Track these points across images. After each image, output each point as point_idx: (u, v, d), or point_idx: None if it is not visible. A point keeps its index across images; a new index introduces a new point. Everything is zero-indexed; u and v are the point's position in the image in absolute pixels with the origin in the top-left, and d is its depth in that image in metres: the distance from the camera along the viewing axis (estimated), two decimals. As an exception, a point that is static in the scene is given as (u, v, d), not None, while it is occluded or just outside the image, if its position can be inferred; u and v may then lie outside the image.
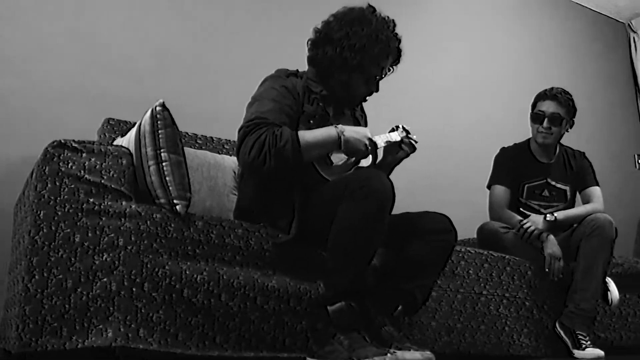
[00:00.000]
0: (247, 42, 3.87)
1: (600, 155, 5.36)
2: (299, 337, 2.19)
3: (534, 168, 3.53)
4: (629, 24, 6.35)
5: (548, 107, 3.44)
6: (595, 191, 3.49)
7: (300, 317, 2.20)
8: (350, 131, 2.22)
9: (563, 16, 5.83)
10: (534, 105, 3.54)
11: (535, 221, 3.24)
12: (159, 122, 2.06)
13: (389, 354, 1.88)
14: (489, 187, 3.57)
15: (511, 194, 3.49)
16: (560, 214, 3.28)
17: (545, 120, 3.42)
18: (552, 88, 3.49)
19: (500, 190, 3.48)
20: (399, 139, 2.50)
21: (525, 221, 3.24)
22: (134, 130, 2.15)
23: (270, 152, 2.08)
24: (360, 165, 2.38)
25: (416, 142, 2.53)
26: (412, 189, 4.01)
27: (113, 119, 2.93)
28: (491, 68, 5.10)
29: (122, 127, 2.86)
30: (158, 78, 3.46)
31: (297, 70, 2.46)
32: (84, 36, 3.32)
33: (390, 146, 2.51)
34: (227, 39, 3.80)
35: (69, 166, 1.91)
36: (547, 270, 3.10)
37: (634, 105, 6.18)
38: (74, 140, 1.95)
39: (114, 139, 2.67)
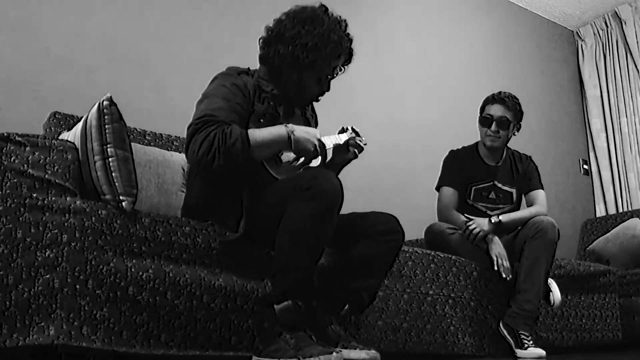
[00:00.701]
0: (199, 38, 3.84)
1: (546, 159, 5.49)
2: (245, 336, 2.18)
3: (482, 170, 3.59)
4: (577, 32, 6.49)
5: (496, 111, 3.49)
6: (540, 194, 3.56)
7: (247, 316, 2.19)
8: (300, 131, 2.23)
9: (513, 22, 5.92)
10: (482, 109, 3.60)
11: (480, 223, 3.29)
12: (105, 116, 2.03)
13: (334, 353, 1.88)
14: (437, 188, 3.62)
15: (459, 196, 3.54)
16: (504, 217, 3.33)
17: (494, 123, 3.48)
18: (499, 92, 3.55)
19: (448, 191, 3.53)
20: (346, 139, 2.51)
21: (470, 222, 3.29)
22: (80, 125, 2.11)
23: (220, 150, 2.07)
24: (310, 165, 2.39)
25: (365, 144, 2.54)
26: (361, 190, 4.04)
27: (60, 113, 2.86)
28: (440, 71, 5.15)
29: (69, 121, 2.80)
30: (106, 72, 3.41)
31: (249, 68, 2.45)
32: (30, 27, 3.24)
33: (339, 147, 2.53)
34: (179, 34, 3.76)
35: (12, 160, 1.87)
36: (496, 269, 3.15)
37: (580, 111, 6.31)
38: (17, 134, 1.92)
39: (60, 133, 2.63)
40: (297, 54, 2.32)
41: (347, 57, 2.47)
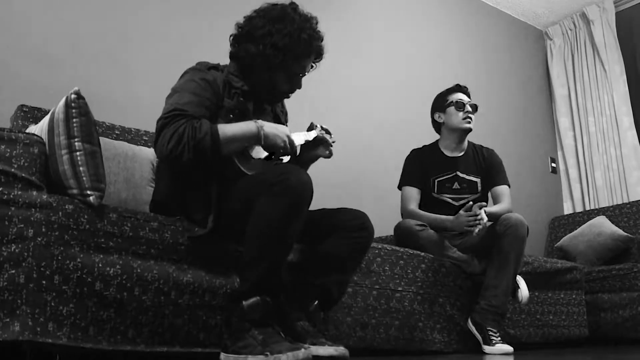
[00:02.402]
0: (169, 32, 3.80)
1: (515, 156, 5.54)
2: (213, 332, 2.17)
3: (442, 163, 3.65)
4: (545, 32, 6.55)
5: (463, 97, 3.65)
6: (506, 190, 3.61)
7: (215, 312, 2.18)
8: (270, 127, 2.23)
9: (483, 21, 5.95)
10: (444, 98, 3.70)
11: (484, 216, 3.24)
12: (73, 110, 2.01)
13: (303, 349, 1.88)
14: (399, 188, 3.65)
15: (422, 192, 3.60)
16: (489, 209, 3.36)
17: (467, 106, 3.61)
18: (458, 84, 3.74)
19: (410, 190, 3.59)
20: (315, 136, 2.50)
21: (480, 214, 3.24)
22: (47, 118, 2.09)
23: (189, 144, 2.06)
24: (279, 161, 2.38)
25: (334, 141, 2.54)
26: (332, 186, 4.04)
27: (27, 106, 2.82)
28: (409, 70, 5.16)
29: (36, 115, 2.76)
30: (75, 65, 3.36)
31: (219, 63, 2.43)
32: (-2, 19, 3.20)
33: (308, 144, 2.52)
34: (148, 28, 3.73)
35: (-23, 153, 1.84)
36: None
37: (549, 110, 6.38)
38: (-18, 127, 1.89)
39: (27, 127, 2.59)
40: (267, 53, 2.32)
41: (318, 54, 2.47)
